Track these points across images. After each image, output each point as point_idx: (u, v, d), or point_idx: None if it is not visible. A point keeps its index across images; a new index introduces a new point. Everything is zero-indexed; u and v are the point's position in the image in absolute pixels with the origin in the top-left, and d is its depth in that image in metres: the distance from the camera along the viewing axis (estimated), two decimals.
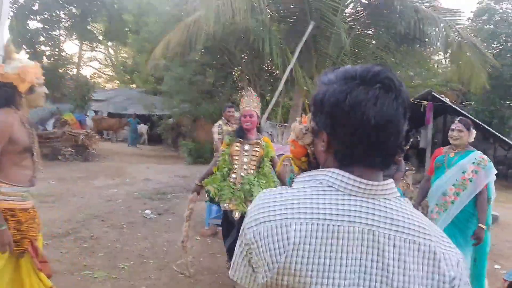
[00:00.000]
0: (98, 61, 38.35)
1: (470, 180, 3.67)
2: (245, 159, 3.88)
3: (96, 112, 23.59)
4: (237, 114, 6.90)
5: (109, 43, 29.81)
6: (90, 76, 32.24)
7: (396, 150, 0.91)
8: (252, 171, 3.87)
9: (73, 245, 5.01)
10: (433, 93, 13.76)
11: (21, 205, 2.49)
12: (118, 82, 35.89)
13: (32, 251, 2.47)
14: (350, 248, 0.84)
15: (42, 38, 16.19)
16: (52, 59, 16.45)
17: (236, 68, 14.80)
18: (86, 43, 24.78)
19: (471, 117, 16.00)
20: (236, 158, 3.90)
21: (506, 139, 16.65)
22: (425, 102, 12.49)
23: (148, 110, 19.44)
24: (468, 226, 3.66)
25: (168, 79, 14.88)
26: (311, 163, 1.10)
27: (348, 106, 0.87)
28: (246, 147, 3.92)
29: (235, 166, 3.89)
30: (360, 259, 0.84)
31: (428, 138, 13.93)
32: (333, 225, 0.85)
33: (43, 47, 16.10)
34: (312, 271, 0.83)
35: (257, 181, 3.80)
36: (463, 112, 16.29)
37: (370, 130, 0.86)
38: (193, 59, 14.00)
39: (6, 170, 2.41)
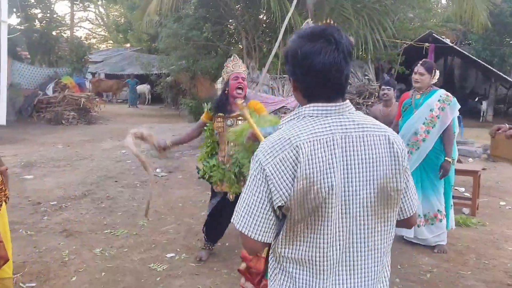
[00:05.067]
0: (90, 21, 37.42)
1: (437, 117, 3.87)
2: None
3: (93, 74, 23.37)
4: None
5: (99, 1, 28.97)
6: (84, 37, 31.60)
7: (343, 85, 1.26)
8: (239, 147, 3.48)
9: (91, 206, 5.21)
10: (434, 34, 13.56)
11: None
12: (111, 42, 35.22)
13: None
14: (336, 151, 1.18)
15: (32, 0, 15.75)
16: (44, 22, 16.10)
17: (231, 20, 14.49)
18: (77, 2, 24.07)
19: (473, 57, 15.86)
20: (221, 135, 3.52)
21: (507, 78, 16.58)
22: (426, 44, 12.36)
23: (146, 69, 19.24)
24: (438, 162, 3.92)
25: (163, 36, 14.62)
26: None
27: (300, 57, 1.21)
28: (229, 122, 3.45)
29: (221, 145, 3.56)
30: (345, 156, 1.19)
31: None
32: (324, 138, 1.18)
33: (34, 10, 15.70)
34: (317, 171, 1.15)
35: (248, 159, 3.30)
36: (465, 52, 16.12)
37: (319, 73, 1.20)
38: (188, 13, 13.69)
39: None
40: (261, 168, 1.17)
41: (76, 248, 3.92)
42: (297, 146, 1.15)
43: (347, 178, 1.19)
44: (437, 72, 4.02)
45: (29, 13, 15.59)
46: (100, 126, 13.57)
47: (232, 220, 1.25)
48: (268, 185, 1.16)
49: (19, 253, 3.69)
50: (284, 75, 12.93)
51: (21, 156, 8.03)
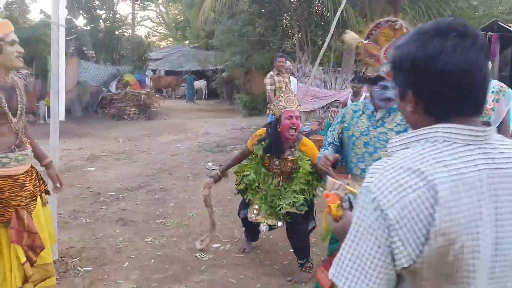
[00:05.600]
0: (151, 19, 39.02)
1: (492, 110, 3.59)
2: (276, 172, 3.44)
3: (153, 71, 24.37)
4: (288, 64, 6.89)
5: (159, 0, 30.11)
6: (145, 36, 32.99)
7: (485, 94, 0.92)
8: (284, 183, 3.42)
9: (145, 197, 5.51)
10: (499, 22, 12.72)
11: (3, 172, 2.34)
12: (171, 39, 36.46)
13: (16, 221, 2.36)
14: (485, 197, 0.87)
15: (97, 2, 16.71)
16: (108, 22, 17.03)
17: (285, 15, 14.50)
18: (138, 2, 25.18)
19: None
20: (265, 170, 3.46)
21: None
22: (489, 33, 11.63)
23: (202, 65, 19.76)
24: None
25: (218, 33, 14.95)
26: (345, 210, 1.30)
27: (426, 59, 0.89)
28: (277, 162, 3.38)
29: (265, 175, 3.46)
30: (495, 203, 0.88)
31: (495, 72, 13.06)
32: (469, 177, 0.86)
33: (98, 11, 16.65)
34: (460, 225, 0.84)
35: (289, 192, 3.32)
36: None
37: (455, 79, 0.88)
38: (242, 10, 13.89)
39: None
40: (380, 212, 0.85)
41: (129, 236, 4.17)
42: (434, 185, 0.83)
43: (498, 233, 0.88)
44: (489, 63, 3.79)
45: (94, 14, 16.55)
46: (159, 121, 14.16)
47: (330, 275, 0.94)
48: (390, 236, 0.84)
49: (79, 239, 4.00)
50: (338, 68, 12.75)
51: (86, 149, 8.62)
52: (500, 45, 12.39)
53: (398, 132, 2.34)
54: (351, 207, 1.32)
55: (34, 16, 50.87)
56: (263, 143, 3.39)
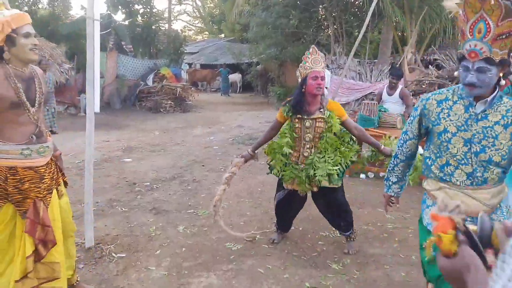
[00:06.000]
0: (187, 13, 39.53)
1: None
2: (307, 138, 3.39)
3: (189, 64, 24.71)
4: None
5: None
6: (181, 30, 33.45)
7: None
8: (316, 149, 3.42)
9: (178, 187, 5.63)
10: None
11: (25, 163, 2.37)
12: (207, 33, 36.80)
13: (33, 212, 2.37)
14: None
15: None
16: (145, 16, 17.40)
17: (320, 6, 14.31)
18: None
19: None
20: (297, 136, 3.43)
21: None
22: None
23: (237, 58, 19.85)
24: None
25: (253, 25, 14.96)
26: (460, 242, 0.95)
27: None
28: (307, 123, 3.36)
29: (296, 144, 3.46)
30: None
31: None
32: None
33: (136, 6, 17.03)
34: None
35: (324, 159, 3.36)
36: None
37: None
38: (276, 1, 13.82)
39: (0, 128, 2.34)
40: None
41: (162, 225, 4.29)
42: None
43: None
44: None
45: (132, 9, 16.94)
46: (194, 114, 14.38)
47: None
48: None
49: (114, 227, 4.16)
50: (374, 60, 12.49)
51: (123, 141, 8.89)
52: None
53: (506, 126, 1.96)
54: (469, 240, 0.96)
55: (76, 11, 52.69)
56: (289, 104, 3.43)
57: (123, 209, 4.73)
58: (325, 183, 3.37)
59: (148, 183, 5.75)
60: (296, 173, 3.43)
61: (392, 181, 2.47)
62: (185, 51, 19.78)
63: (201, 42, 31.55)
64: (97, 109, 3.31)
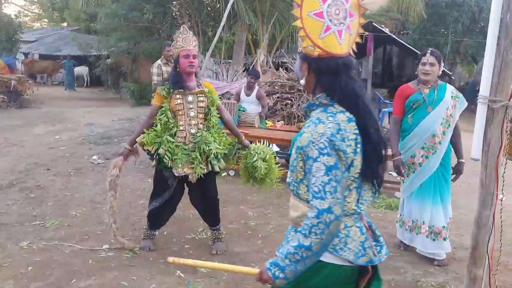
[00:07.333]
0: None
1: (451, 116, 3.51)
2: (191, 113, 3.35)
3: (25, 54, 21.88)
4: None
5: None
6: (15, 15, 29.47)
7: None
8: (202, 126, 3.40)
9: (18, 196, 4.89)
10: (373, 23, 13.96)
11: None
12: (46, 20, 33.18)
13: None
14: None
15: None
16: None
17: (175, 3, 14.09)
18: None
19: (409, 46, 16.56)
20: (180, 113, 3.34)
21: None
22: (366, 33, 12.69)
23: (84, 50, 18.31)
24: (448, 161, 3.60)
25: (102, 16, 13.97)
26: None
27: None
28: (190, 98, 3.34)
29: (181, 123, 3.34)
30: None
31: (369, 69, 14.37)
32: None
33: None
34: None
35: (212, 138, 3.40)
36: (402, 42, 16.78)
37: None
38: None
39: None
40: None
41: (0, 241, 3.66)
42: None
43: None
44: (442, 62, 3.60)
45: None
46: (33, 110, 12.76)
47: None
48: None
49: None
50: (229, 60, 12.82)
51: None
52: (373, 44, 13.62)
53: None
54: None
55: None
56: (166, 82, 3.40)
57: None
58: (216, 168, 3.42)
59: None
60: (188, 153, 3.33)
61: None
62: (21, 39, 17.48)
63: (39, 30, 28.24)
64: None
